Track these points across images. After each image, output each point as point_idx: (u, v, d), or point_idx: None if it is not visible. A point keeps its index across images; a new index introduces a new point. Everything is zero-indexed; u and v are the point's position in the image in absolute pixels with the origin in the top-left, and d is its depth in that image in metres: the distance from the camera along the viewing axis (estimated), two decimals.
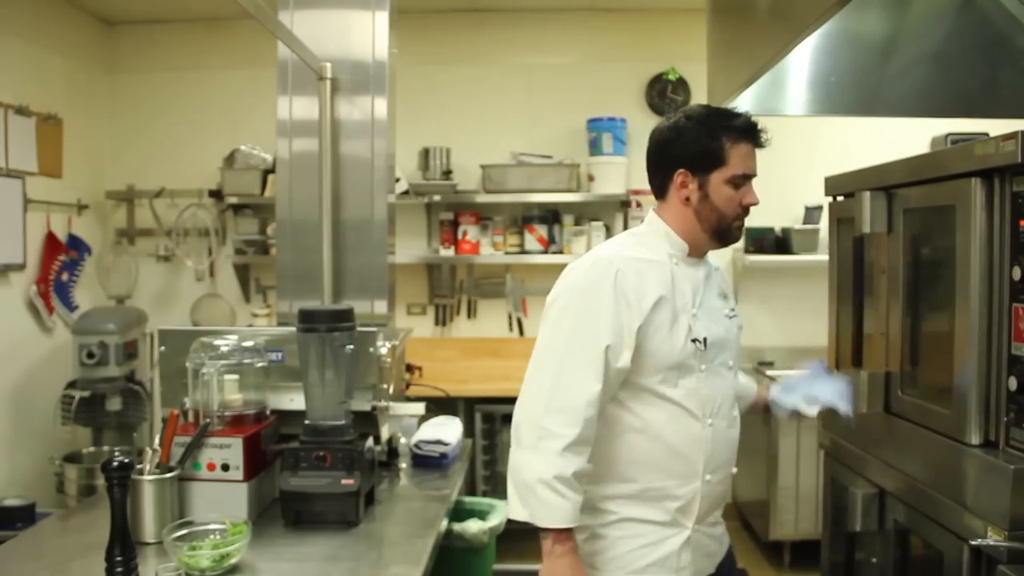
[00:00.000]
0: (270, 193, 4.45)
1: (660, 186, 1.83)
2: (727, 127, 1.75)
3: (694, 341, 1.73)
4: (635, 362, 1.71)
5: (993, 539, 1.58)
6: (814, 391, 2.04)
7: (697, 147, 1.75)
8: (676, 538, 1.76)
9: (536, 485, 1.63)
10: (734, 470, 1.87)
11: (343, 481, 2.03)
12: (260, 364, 2.18)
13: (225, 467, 1.98)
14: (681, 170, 1.77)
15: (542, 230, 4.62)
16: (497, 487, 4.15)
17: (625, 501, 1.76)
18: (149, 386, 4.14)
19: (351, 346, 2.13)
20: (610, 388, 1.71)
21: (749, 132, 1.76)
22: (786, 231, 4.55)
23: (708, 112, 1.78)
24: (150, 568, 1.72)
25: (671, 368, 1.73)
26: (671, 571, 1.75)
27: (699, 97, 4.64)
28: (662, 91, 4.73)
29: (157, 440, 1.99)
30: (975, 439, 1.70)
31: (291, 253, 2.69)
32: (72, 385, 3.91)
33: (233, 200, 4.56)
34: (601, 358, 1.67)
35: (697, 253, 1.83)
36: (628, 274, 1.72)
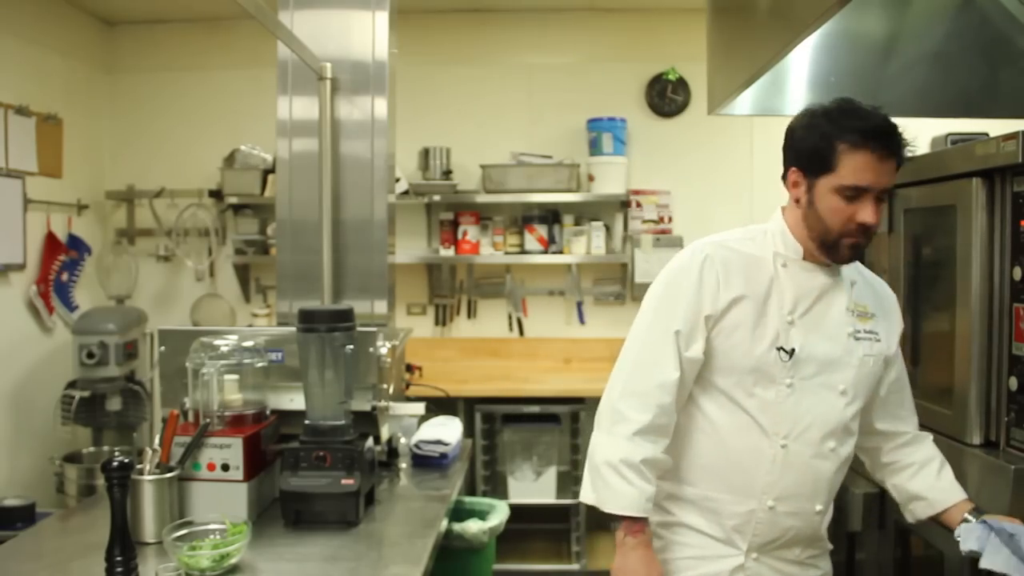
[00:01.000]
0: (270, 193, 4.45)
1: (784, 180, 1.70)
2: (845, 128, 1.55)
3: (779, 349, 1.61)
4: (708, 357, 1.64)
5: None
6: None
7: (808, 146, 1.60)
8: (729, 560, 1.66)
9: (603, 468, 1.60)
10: (818, 507, 1.67)
11: (343, 481, 2.02)
12: (260, 364, 2.18)
13: (225, 467, 1.98)
14: (794, 168, 1.65)
15: (542, 230, 4.62)
16: (497, 487, 4.15)
17: (685, 505, 1.70)
18: (149, 386, 4.14)
19: (351, 346, 2.13)
20: (687, 378, 1.65)
21: (872, 137, 1.54)
22: None
23: (834, 108, 1.60)
24: (150, 568, 1.71)
25: (747, 373, 1.63)
26: None
27: (699, 97, 4.64)
28: (662, 91, 4.72)
29: (157, 440, 1.99)
30: (976, 439, 1.70)
31: (291, 253, 2.69)
32: (72, 385, 3.91)
33: (233, 200, 4.55)
34: (674, 343, 1.62)
35: (814, 258, 1.67)
36: (716, 262, 1.64)
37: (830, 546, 1.79)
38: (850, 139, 1.54)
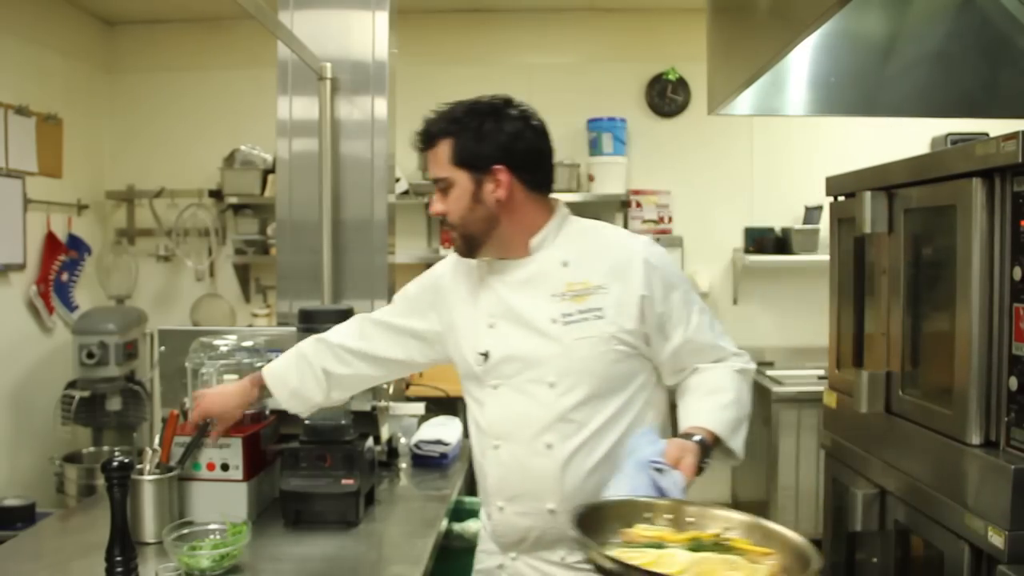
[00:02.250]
0: (270, 193, 4.45)
1: None
2: None
3: (479, 353, 1.71)
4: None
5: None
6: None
7: None
8: (495, 557, 1.77)
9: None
10: (550, 506, 1.62)
11: (343, 481, 2.03)
12: (260, 364, 2.18)
13: (225, 467, 1.98)
14: None
15: None
16: None
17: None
18: (149, 386, 4.14)
19: None
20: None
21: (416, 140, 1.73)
22: (786, 231, 4.55)
23: None
24: (150, 568, 1.71)
25: (465, 377, 1.76)
26: None
27: (699, 97, 4.64)
28: (662, 91, 4.72)
29: (157, 440, 1.99)
30: (976, 439, 1.70)
31: (291, 253, 2.69)
32: (72, 385, 3.91)
33: (233, 200, 4.56)
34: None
35: (509, 254, 1.73)
36: (447, 268, 1.86)
37: None
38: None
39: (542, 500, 1.64)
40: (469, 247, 1.73)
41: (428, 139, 1.69)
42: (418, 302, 1.88)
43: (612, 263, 1.68)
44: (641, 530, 1.37)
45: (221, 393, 1.96)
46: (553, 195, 1.78)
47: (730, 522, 1.40)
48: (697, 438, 1.58)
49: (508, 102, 1.70)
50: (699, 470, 1.54)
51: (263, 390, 1.96)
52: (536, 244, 1.72)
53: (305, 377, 1.91)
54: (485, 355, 1.69)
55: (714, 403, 1.65)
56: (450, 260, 1.88)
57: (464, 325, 1.76)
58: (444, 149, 1.66)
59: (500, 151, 1.66)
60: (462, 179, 1.67)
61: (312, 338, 1.96)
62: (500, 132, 1.66)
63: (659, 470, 1.48)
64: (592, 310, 1.64)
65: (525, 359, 1.66)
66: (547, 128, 1.72)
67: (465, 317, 1.77)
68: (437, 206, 1.72)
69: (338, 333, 1.94)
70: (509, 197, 1.67)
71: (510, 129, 1.67)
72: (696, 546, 1.32)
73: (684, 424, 1.65)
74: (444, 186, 1.68)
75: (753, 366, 1.78)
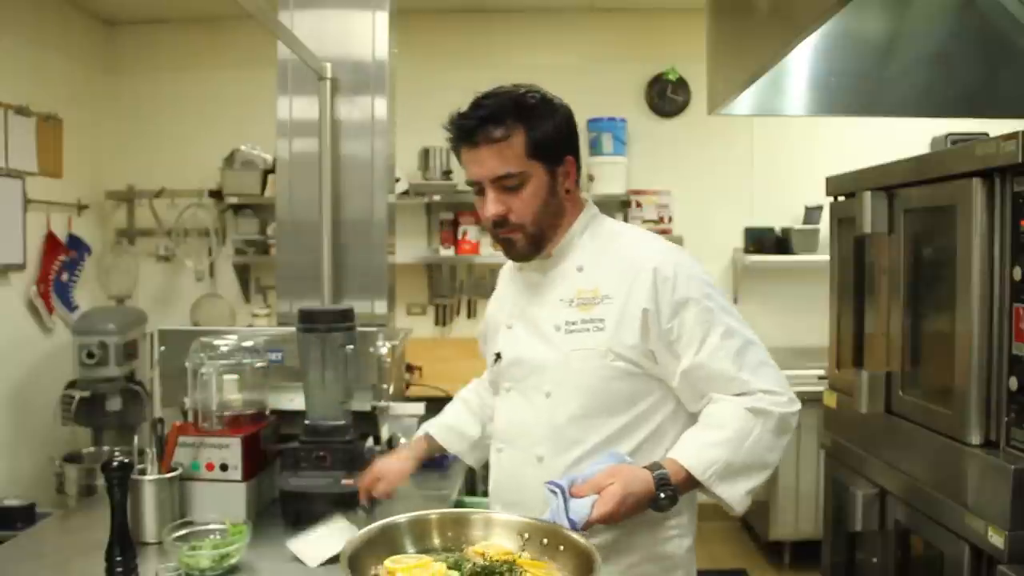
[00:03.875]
0: (270, 193, 4.44)
1: None
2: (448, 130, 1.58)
3: (495, 355, 1.68)
4: None
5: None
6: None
7: None
8: None
9: None
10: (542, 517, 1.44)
11: (343, 481, 2.02)
12: (260, 364, 2.18)
13: (224, 467, 1.98)
14: None
15: None
16: None
17: None
18: (149, 386, 4.13)
19: (351, 346, 2.13)
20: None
21: (454, 132, 1.58)
22: (786, 231, 4.55)
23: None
24: (150, 568, 1.71)
25: (492, 381, 1.75)
26: None
27: (699, 97, 4.64)
28: (662, 91, 4.72)
29: (155, 453, 1.98)
30: (976, 439, 1.70)
31: (291, 253, 2.69)
32: (72, 385, 3.91)
33: (233, 200, 4.56)
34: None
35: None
36: (500, 279, 1.81)
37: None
38: (451, 139, 1.59)
39: (532, 511, 1.48)
40: (536, 247, 1.58)
41: (497, 132, 1.50)
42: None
43: (622, 271, 1.55)
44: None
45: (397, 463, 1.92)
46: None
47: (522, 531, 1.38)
48: (659, 472, 1.43)
49: (538, 89, 1.60)
50: (657, 504, 1.42)
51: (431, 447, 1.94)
52: (560, 244, 1.61)
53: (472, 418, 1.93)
54: (497, 356, 1.66)
55: (701, 439, 1.49)
56: (504, 270, 1.83)
57: (492, 325, 1.75)
58: (518, 141, 1.51)
59: (567, 140, 1.57)
60: (538, 173, 1.53)
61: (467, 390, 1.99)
62: (564, 120, 1.56)
63: (552, 491, 1.40)
64: (594, 320, 1.53)
65: (530, 364, 1.59)
66: None
67: (495, 318, 1.75)
68: (496, 207, 1.53)
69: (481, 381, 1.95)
70: (571, 190, 1.60)
71: (567, 116, 1.58)
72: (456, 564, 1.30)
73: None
74: (516, 183, 1.52)
75: (784, 410, 1.53)
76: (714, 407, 1.53)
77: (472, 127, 1.52)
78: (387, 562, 1.30)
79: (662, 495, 1.42)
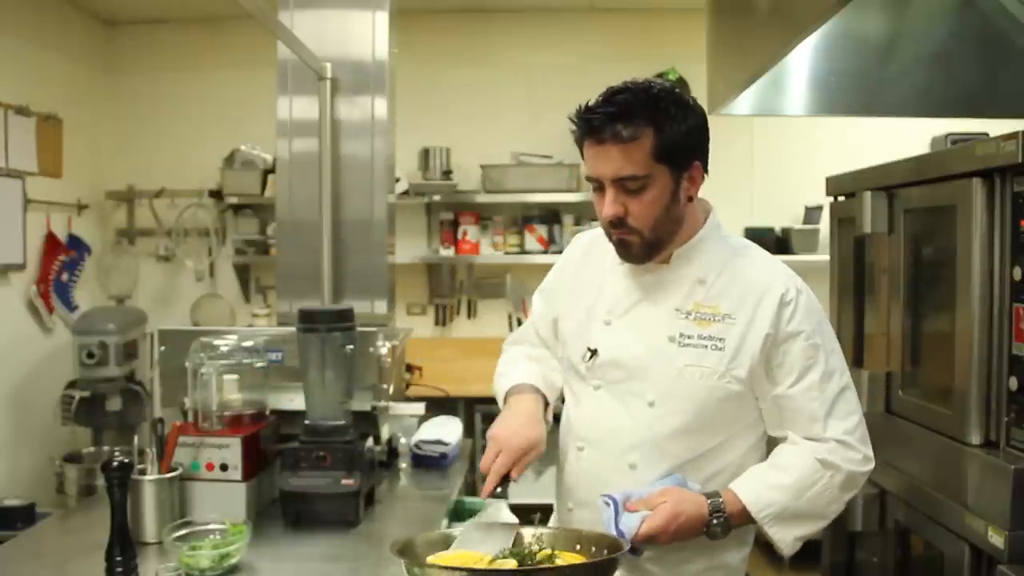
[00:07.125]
0: (270, 193, 4.44)
1: None
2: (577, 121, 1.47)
3: (588, 348, 1.57)
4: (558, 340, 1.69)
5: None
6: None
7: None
8: None
9: None
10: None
11: (343, 481, 2.02)
12: (260, 364, 2.18)
13: (224, 467, 1.98)
14: None
15: (542, 230, 4.62)
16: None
17: None
18: (149, 386, 4.13)
19: (351, 346, 2.13)
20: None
21: (580, 126, 1.47)
22: (786, 231, 4.54)
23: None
24: (150, 568, 1.71)
25: (569, 367, 1.64)
26: None
27: (699, 97, 4.62)
28: None
29: (156, 452, 1.98)
30: (976, 439, 1.70)
31: (291, 253, 2.69)
32: (72, 385, 3.90)
33: (233, 200, 4.56)
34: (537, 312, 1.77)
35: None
36: (576, 248, 1.73)
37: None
38: (576, 132, 1.48)
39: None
40: (653, 253, 1.52)
41: (626, 131, 1.42)
42: (551, 293, 1.77)
43: (745, 291, 1.51)
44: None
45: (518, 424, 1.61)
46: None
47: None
48: (715, 500, 1.46)
49: (673, 87, 1.51)
50: (709, 531, 1.45)
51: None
52: (681, 252, 1.55)
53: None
54: (593, 352, 1.56)
55: (766, 479, 1.50)
56: (583, 242, 1.72)
57: (577, 316, 1.63)
58: (646, 142, 1.43)
59: (698, 145, 1.50)
60: (663, 177, 1.46)
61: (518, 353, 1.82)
62: (696, 123, 1.48)
63: (606, 503, 1.43)
64: (713, 339, 1.49)
65: (631, 369, 1.53)
66: None
67: (582, 307, 1.62)
68: (615, 208, 1.47)
69: (526, 346, 1.82)
70: (694, 197, 1.52)
71: (700, 119, 1.50)
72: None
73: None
74: (638, 185, 1.45)
75: (855, 468, 1.51)
76: (787, 448, 1.54)
77: (600, 123, 1.43)
78: (429, 558, 1.36)
79: (714, 521, 1.45)
